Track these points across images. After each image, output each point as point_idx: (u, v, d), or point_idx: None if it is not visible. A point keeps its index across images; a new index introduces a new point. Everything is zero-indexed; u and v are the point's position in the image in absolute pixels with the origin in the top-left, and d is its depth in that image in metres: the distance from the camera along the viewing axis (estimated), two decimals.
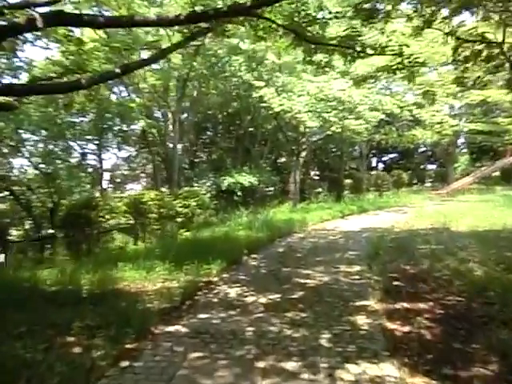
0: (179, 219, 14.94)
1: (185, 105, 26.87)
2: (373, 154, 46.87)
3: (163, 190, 19.70)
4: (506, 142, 33.22)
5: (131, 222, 12.50)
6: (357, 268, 7.70)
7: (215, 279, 7.13)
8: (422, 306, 5.72)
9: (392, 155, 50.04)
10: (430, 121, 19.71)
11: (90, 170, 23.72)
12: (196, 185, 23.82)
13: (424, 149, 48.48)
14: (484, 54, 9.51)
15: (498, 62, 9.66)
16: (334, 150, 38.29)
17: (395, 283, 6.83)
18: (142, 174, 38.23)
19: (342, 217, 16.29)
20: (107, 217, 11.48)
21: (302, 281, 6.85)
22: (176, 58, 19.79)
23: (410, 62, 9.48)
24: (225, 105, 26.10)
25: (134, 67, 7.02)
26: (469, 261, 7.88)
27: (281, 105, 15.62)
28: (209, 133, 34.06)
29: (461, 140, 39.56)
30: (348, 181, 28.43)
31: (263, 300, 5.83)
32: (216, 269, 7.42)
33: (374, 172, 41.23)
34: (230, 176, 21.51)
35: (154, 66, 22.39)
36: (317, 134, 23.59)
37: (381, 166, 49.70)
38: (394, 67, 9.70)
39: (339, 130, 16.84)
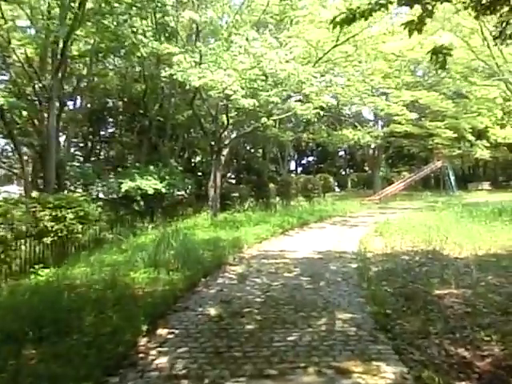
0: (48, 240, 9.91)
1: (73, 85, 21.27)
2: (291, 156, 44.16)
3: (33, 195, 14.18)
4: (430, 147, 32.20)
5: None
6: (386, 371, 3.57)
7: None
8: None
9: (311, 158, 48.10)
10: (387, 111, 16.54)
11: None
12: (88, 189, 18.59)
13: (343, 153, 47.11)
14: None
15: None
16: (252, 150, 34.71)
17: None
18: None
19: (282, 232, 12.24)
20: None
21: None
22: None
23: None
24: (126, 89, 20.94)
25: None
26: None
27: (201, 77, 11.11)
28: (108, 125, 28.52)
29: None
30: (272, 185, 24.74)
31: None
32: None
33: (293, 175, 38.28)
34: (131, 179, 16.54)
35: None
36: (240, 127, 19.54)
37: (299, 169, 47.43)
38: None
39: (280, 115, 12.76)
